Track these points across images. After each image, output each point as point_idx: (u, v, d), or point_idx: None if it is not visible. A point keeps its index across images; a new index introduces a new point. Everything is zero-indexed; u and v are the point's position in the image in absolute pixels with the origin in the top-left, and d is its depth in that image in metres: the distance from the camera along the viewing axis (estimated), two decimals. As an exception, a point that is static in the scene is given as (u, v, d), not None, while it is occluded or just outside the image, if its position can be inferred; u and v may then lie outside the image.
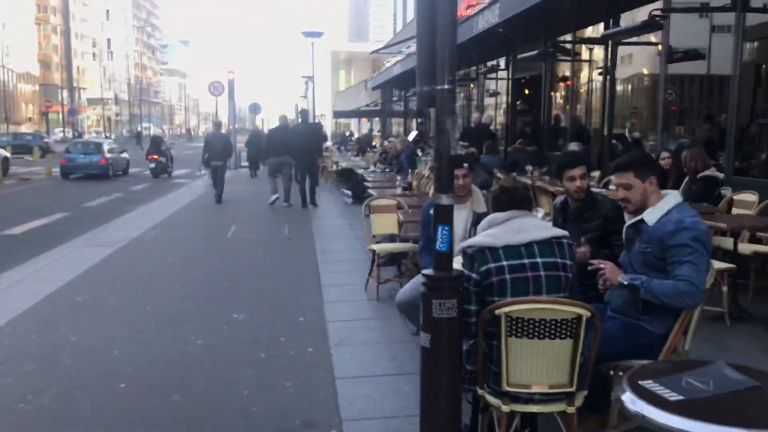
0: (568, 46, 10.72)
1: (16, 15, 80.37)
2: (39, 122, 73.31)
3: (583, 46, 10.79)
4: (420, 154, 12.63)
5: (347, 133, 35.80)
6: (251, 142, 23.11)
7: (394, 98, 30.59)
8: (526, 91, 13.81)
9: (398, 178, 8.26)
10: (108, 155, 23.06)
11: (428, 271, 2.64)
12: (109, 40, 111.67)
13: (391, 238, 6.53)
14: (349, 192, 13.86)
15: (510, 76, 14.05)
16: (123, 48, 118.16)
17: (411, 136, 14.27)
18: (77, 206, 14.96)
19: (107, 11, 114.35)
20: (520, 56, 10.70)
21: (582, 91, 11.50)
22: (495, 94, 17.25)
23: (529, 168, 10.17)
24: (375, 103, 33.04)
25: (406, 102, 28.46)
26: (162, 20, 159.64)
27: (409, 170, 11.43)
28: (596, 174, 9.44)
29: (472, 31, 12.90)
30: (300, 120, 14.05)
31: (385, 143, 13.01)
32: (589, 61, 11.20)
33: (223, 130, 17.25)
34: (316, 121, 42.23)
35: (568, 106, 11.82)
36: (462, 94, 19.99)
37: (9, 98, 72.88)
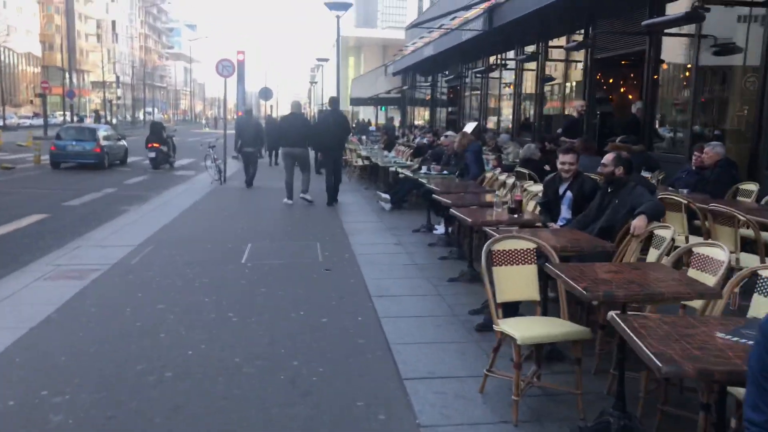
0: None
1: (16, -7, 77.66)
2: (39, 104, 70.67)
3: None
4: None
5: (366, 121, 32.98)
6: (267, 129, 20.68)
7: (421, 83, 27.85)
8: (617, 75, 11.15)
9: (496, 195, 5.61)
10: (103, 143, 20.58)
11: None
12: (114, 22, 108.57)
13: (514, 307, 3.93)
14: (386, 196, 11.25)
15: (590, 56, 11.38)
16: (128, 30, 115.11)
17: (470, 128, 11.62)
18: (58, 205, 12.43)
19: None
20: (648, 22, 7.88)
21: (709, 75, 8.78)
22: (549, 79, 14.61)
23: (648, 175, 7.58)
24: (397, 90, 30.34)
25: (434, 88, 25.74)
26: (168, 3, 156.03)
27: (478, 173, 8.85)
28: (753, 188, 6.84)
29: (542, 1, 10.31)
30: (330, 108, 11.98)
31: (441, 138, 10.35)
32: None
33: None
34: (322, 107, 39.75)
35: (685, 92, 9.13)
36: (506, 80, 17.34)
37: (9, 79, 70.30)
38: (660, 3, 9.11)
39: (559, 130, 9.52)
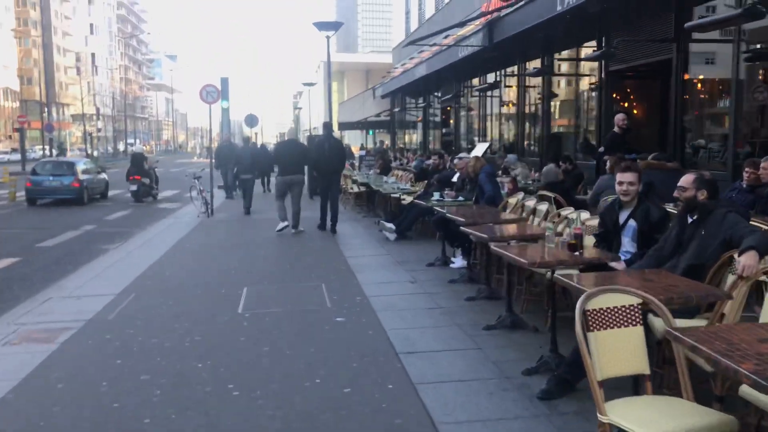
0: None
1: (-7, 28, 76.59)
2: (18, 139, 69.20)
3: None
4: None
5: (359, 148, 32.05)
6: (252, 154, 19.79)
7: (411, 105, 27.08)
8: (633, 87, 10.37)
9: (548, 230, 4.66)
10: (82, 176, 19.49)
11: None
12: (93, 55, 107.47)
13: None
14: (391, 225, 10.31)
15: (604, 67, 10.60)
16: (108, 63, 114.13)
17: (480, 150, 10.76)
18: (31, 247, 11.37)
19: (91, 25, 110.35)
20: (693, 23, 7.00)
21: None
22: (555, 95, 13.86)
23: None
24: (386, 113, 29.55)
25: (426, 109, 24.94)
26: (148, 35, 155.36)
27: (495, 196, 7.94)
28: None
29: (555, 9, 9.56)
30: (324, 133, 11.53)
31: (455, 160, 9.46)
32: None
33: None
34: (311, 134, 38.96)
35: (722, 102, 8.32)
36: (507, 97, 16.57)
37: (-14, 115, 68.94)
38: (688, 7, 8.34)
39: (601, 149, 8.68)
